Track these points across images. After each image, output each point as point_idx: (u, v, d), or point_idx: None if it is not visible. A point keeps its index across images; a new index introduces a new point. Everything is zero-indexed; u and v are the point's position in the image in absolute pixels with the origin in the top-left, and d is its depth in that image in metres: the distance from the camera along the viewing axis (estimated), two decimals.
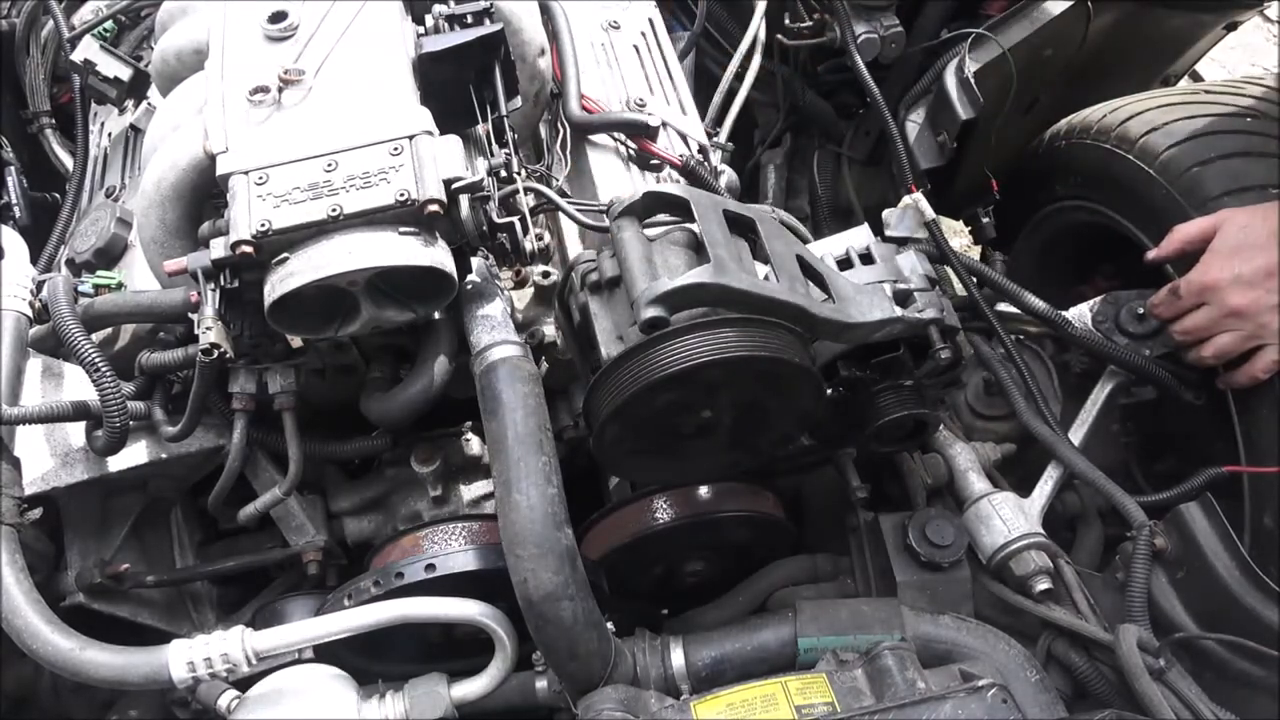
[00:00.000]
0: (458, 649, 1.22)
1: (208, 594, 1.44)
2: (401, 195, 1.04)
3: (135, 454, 1.27)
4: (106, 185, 1.77)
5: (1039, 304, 1.43)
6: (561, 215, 1.28)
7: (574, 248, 1.45)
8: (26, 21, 1.95)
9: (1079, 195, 1.79)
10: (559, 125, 1.48)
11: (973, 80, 1.73)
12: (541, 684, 1.19)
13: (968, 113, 1.74)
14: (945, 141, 1.80)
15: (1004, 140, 1.93)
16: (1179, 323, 1.37)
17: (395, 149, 1.08)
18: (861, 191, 2.11)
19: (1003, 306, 1.48)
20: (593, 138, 1.49)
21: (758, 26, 1.83)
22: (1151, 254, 1.44)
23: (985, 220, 1.58)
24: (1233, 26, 2.02)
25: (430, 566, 1.15)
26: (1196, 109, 1.61)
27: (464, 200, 1.09)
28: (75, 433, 1.26)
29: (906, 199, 1.37)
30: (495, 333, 1.15)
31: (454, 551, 1.19)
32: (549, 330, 1.34)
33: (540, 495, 1.05)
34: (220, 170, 1.09)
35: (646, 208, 1.16)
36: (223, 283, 1.07)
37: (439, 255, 1.07)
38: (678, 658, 1.18)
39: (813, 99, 2.05)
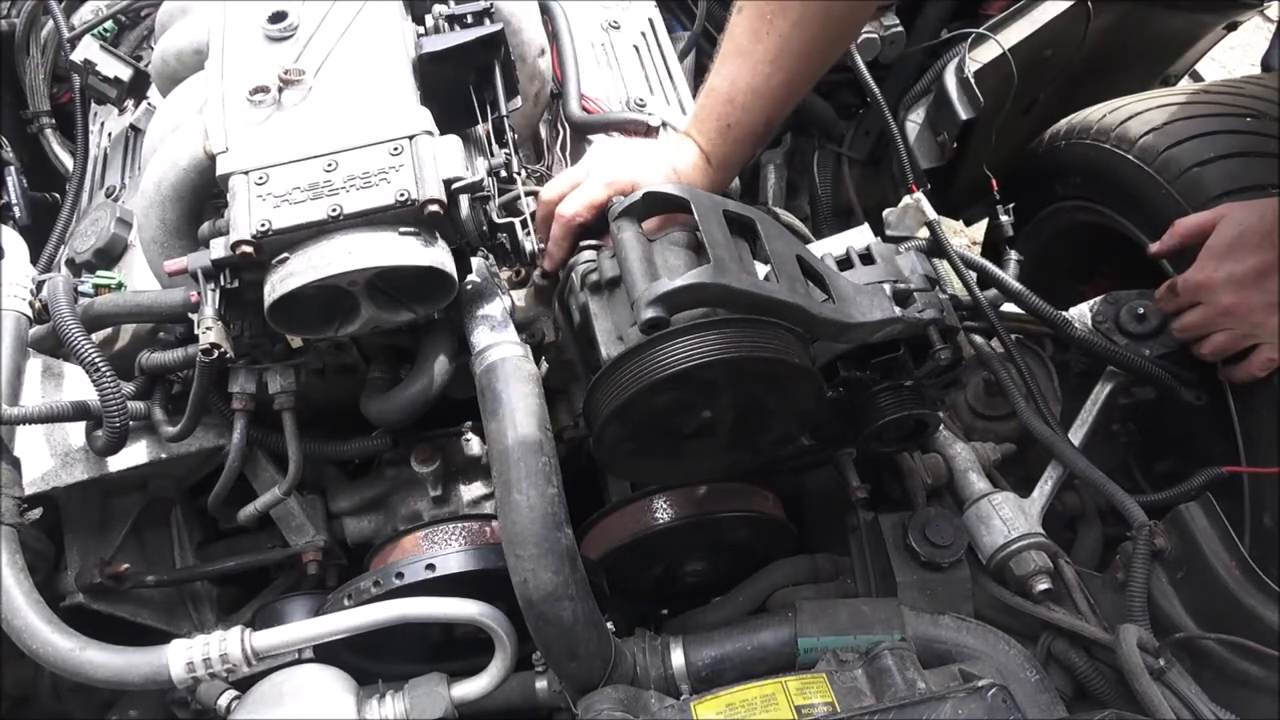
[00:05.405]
0: (458, 649, 1.22)
1: (208, 594, 1.43)
2: (401, 195, 1.04)
3: (135, 454, 1.27)
4: (106, 185, 1.77)
5: (1040, 303, 1.42)
6: None
7: None
8: (26, 21, 1.95)
9: (1079, 195, 1.79)
10: (559, 125, 1.48)
11: (973, 80, 1.73)
12: (541, 684, 1.19)
13: (968, 113, 1.74)
14: (945, 141, 1.80)
15: (1004, 140, 1.93)
16: (1177, 320, 1.38)
17: (395, 149, 1.08)
18: (861, 191, 2.11)
19: (1002, 306, 1.47)
20: (593, 138, 1.49)
21: None
22: (1153, 248, 1.44)
23: (1004, 218, 1.56)
24: (1233, 26, 2.03)
25: (430, 566, 1.15)
26: (1196, 109, 1.61)
27: (464, 200, 1.09)
28: (75, 433, 1.26)
29: (907, 199, 1.37)
30: (495, 333, 1.16)
31: (454, 551, 1.19)
32: (549, 330, 1.34)
33: (540, 495, 1.05)
34: (220, 170, 1.09)
35: (646, 208, 1.16)
36: (223, 283, 1.07)
37: (439, 255, 1.07)
38: (678, 658, 1.18)
39: (813, 99, 2.05)
